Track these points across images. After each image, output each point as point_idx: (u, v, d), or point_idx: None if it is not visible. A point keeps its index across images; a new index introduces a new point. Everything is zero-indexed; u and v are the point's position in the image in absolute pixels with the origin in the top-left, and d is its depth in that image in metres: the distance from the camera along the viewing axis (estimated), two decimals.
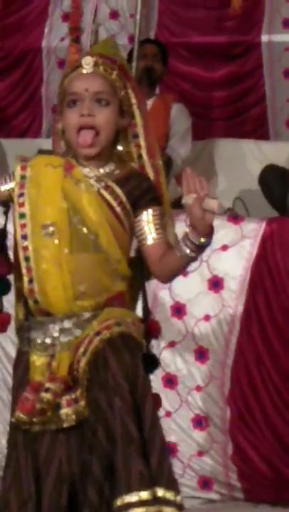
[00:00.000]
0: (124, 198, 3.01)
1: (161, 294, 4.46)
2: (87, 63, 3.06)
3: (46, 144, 5.73)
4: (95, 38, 7.16)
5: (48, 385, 2.95)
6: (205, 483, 4.38)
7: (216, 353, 4.38)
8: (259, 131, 6.79)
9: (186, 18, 6.99)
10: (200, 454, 4.39)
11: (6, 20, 7.38)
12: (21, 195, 3.06)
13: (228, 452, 4.35)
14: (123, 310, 3.03)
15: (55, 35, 7.33)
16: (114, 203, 3.01)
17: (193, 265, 4.32)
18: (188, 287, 4.41)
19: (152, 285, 4.40)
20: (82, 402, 2.90)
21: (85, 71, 3.05)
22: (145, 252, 3.03)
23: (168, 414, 4.42)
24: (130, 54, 5.61)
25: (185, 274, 4.33)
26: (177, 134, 5.98)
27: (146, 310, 3.20)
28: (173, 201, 5.45)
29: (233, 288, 4.38)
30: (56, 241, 2.99)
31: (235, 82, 6.93)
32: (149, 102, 5.96)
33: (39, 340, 3.03)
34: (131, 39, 5.92)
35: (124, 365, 2.86)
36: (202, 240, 2.85)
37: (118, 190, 3.02)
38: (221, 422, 4.37)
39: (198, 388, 4.40)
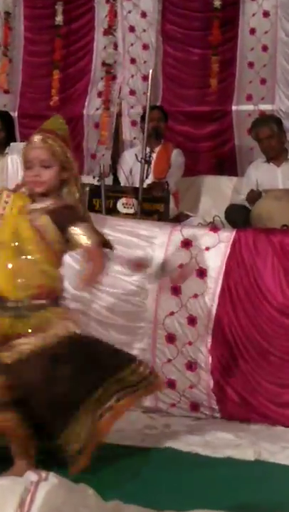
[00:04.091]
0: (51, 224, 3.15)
1: (164, 280, 4.34)
2: (36, 139, 3.19)
3: (86, 179, 5.73)
4: (119, 108, 7.19)
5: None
6: (194, 406, 4.35)
7: (202, 319, 4.33)
8: (231, 169, 6.78)
9: (181, 94, 7.00)
10: (191, 387, 4.34)
11: (61, 96, 7.38)
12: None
13: (210, 386, 4.31)
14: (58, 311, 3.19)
15: (92, 106, 7.30)
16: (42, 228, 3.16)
17: (186, 260, 4.35)
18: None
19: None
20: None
21: (34, 144, 3.19)
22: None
23: (169, 360, 4.37)
24: (143, 118, 5.61)
25: (180, 266, 4.34)
26: (173, 168, 6.00)
27: None
28: (172, 217, 5.53)
29: (213, 276, 4.34)
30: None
31: (215, 137, 6.93)
32: (157, 149, 6.00)
33: None
34: (144, 108, 5.87)
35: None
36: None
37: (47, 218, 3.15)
38: (205, 366, 4.32)
39: (190, 343, 4.35)
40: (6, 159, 5.61)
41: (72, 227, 3.14)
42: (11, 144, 5.84)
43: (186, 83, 6.97)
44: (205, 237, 4.39)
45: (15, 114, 7.47)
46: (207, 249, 4.37)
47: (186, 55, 6.99)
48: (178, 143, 6.46)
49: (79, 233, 3.14)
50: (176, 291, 4.36)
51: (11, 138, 6.24)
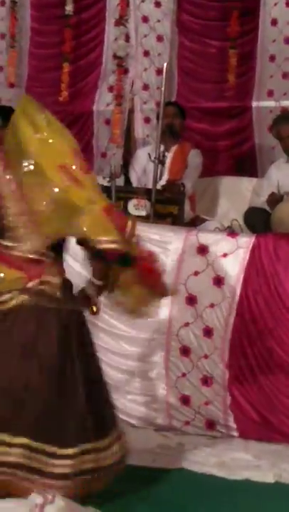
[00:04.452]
0: None
1: (178, 288, 4.38)
2: None
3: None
4: (131, 104, 7.17)
5: None
6: (210, 424, 4.35)
7: (218, 331, 4.33)
8: (251, 170, 6.75)
9: (197, 89, 6.96)
10: (207, 403, 4.35)
11: (70, 90, 7.37)
12: None
13: (227, 402, 4.31)
14: None
15: (102, 102, 7.26)
16: None
17: (202, 267, 4.36)
18: (198, 283, 4.37)
19: (171, 283, 4.39)
20: None
21: None
22: None
23: (184, 374, 4.38)
24: (158, 115, 5.58)
25: (196, 274, 4.36)
26: (190, 168, 5.96)
27: None
28: (187, 221, 5.50)
29: (231, 284, 4.33)
30: None
31: (233, 135, 6.90)
32: (173, 148, 5.97)
33: None
34: (158, 104, 5.84)
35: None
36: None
37: None
38: (222, 381, 4.32)
39: (206, 356, 4.35)
40: None
41: None
42: None
43: (202, 77, 6.93)
44: (222, 243, 4.38)
45: None
46: (224, 255, 4.36)
47: (203, 47, 6.97)
48: (194, 141, 6.44)
49: None
50: (191, 300, 4.36)
51: None
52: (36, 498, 2.91)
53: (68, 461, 2.95)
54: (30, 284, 2.99)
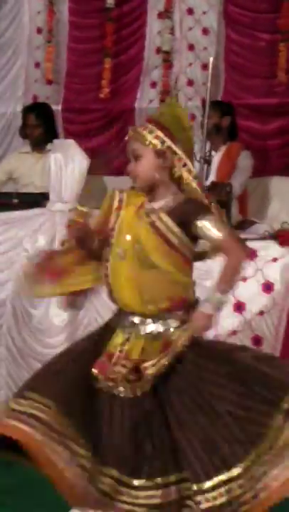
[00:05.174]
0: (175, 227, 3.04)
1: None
2: (130, 130, 3.15)
3: None
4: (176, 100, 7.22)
5: (123, 362, 3.02)
6: None
7: (268, 340, 4.34)
8: None
9: (246, 85, 6.97)
10: None
11: (111, 86, 7.45)
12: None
13: None
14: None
15: (145, 99, 7.34)
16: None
17: (251, 273, 4.38)
18: (247, 289, 4.36)
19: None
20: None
21: (128, 136, 3.13)
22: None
23: None
24: (203, 113, 5.62)
25: (244, 279, 4.34)
26: (239, 169, 5.97)
27: None
28: (235, 224, 5.54)
29: (281, 290, 4.35)
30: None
31: (284, 132, 6.88)
32: (222, 148, 6.01)
33: (125, 323, 3.09)
34: (203, 101, 5.84)
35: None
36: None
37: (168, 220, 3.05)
38: None
39: None
40: (47, 157, 5.70)
41: (198, 221, 3.00)
42: (54, 141, 5.93)
43: (251, 72, 6.92)
44: (272, 248, 4.43)
45: (59, 108, 7.56)
46: (274, 260, 4.40)
47: (252, 40, 6.93)
48: (241, 140, 6.46)
49: (208, 227, 3.01)
50: (239, 307, 4.39)
51: (51, 134, 6.32)
52: None
53: None
54: None
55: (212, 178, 5.79)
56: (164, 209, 3.08)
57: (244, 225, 5.67)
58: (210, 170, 5.73)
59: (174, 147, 3.09)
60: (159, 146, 3.07)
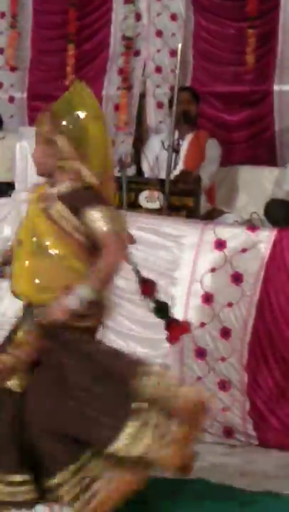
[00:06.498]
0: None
1: (194, 286, 4.42)
2: None
3: None
4: (143, 88, 7.17)
5: (9, 350, 3.12)
6: (228, 432, 4.36)
7: (237, 332, 4.33)
8: (271, 159, 6.74)
9: (214, 72, 6.92)
10: (224, 410, 4.35)
11: (77, 75, 7.36)
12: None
13: (246, 408, 4.33)
14: None
15: (112, 85, 7.25)
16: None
17: (220, 263, 4.38)
18: (216, 281, 4.37)
19: (186, 280, 4.43)
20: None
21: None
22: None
23: (199, 378, 4.39)
24: (171, 100, 5.58)
25: (213, 270, 4.37)
26: (208, 160, 5.96)
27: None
28: (204, 214, 5.51)
29: (250, 282, 4.33)
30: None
31: (253, 121, 6.83)
32: (188, 136, 5.98)
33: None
34: (171, 88, 5.85)
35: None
36: None
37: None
38: (240, 385, 4.33)
39: (223, 359, 4.36)
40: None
41: (86, 210, 3.04)
42: (20, 128, 5.88)
43: (219, 60, 6.89)
44: (241, 237, 4.40)
45: (24, 95, 7.52)
46: (244, 250, 4.38)
47: (220, 27, 6.93)
48: (208, 128, 6.42)
49: (94, 218, 3.04)
50: (207, 299, 4.38)
51: None
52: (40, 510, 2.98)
53: None
54: None
55: (180, 166, 5.76)
56: (57, 194, 3.12)
57: (213, 214, 5.66)
58: (178, 158, 5.70)
59: (58, 137, 3.13)
60: (48, 134, 3.13)
